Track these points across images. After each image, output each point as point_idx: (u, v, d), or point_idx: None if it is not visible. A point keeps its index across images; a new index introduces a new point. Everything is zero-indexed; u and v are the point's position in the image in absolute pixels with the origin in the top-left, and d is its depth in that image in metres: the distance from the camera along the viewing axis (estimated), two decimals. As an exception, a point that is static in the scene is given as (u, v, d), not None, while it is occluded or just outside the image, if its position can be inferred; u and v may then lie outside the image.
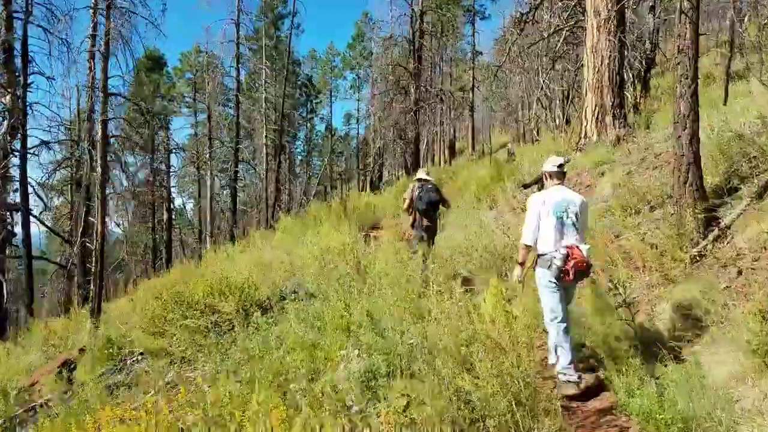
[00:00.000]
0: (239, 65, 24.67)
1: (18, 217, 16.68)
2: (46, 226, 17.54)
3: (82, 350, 7.92)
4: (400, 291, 4.95)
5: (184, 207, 47.48)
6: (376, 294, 4.98)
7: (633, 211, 7.34)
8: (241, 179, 38.22)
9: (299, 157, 52.72)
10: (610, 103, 11.83)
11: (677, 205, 6.10)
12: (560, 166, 5.11)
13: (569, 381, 4.53)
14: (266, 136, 27.12)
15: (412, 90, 23.42)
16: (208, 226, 28.31)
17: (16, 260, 18.91)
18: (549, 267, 4.73)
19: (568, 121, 16.75)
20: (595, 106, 11.94)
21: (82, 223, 16.79)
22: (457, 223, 11.09)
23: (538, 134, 17.96)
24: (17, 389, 6.48)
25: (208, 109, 29.07)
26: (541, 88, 14.74)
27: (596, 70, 11.88)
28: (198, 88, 34.72)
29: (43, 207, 17.74)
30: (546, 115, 15.91)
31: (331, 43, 65.42)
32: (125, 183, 22.21)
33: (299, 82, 46.47)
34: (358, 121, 47.58)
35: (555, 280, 4.71)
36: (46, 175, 19.91)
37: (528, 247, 4.99)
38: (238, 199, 39.03)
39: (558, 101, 17.10)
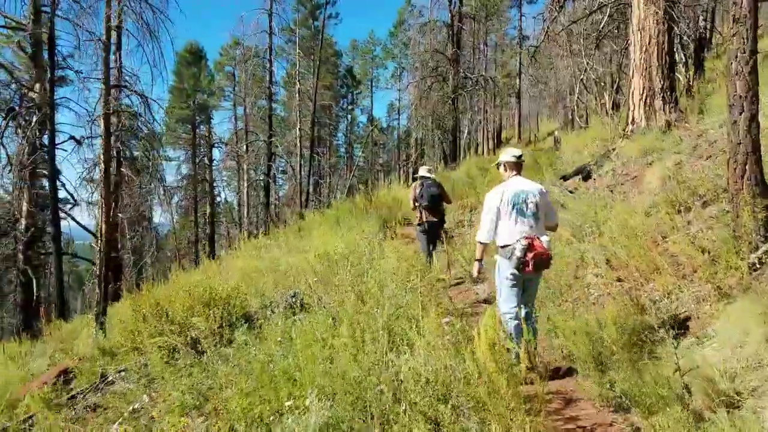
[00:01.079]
0: (272, 56, 24.18)
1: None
2: (77, 222, 17.41)
3: (81, 359, 7.49)
4: (394, 308, 4.19)
5: (228, 201, 47.68)
6: (366, 311, 4.25)
7: (683, 207, 6.39)
8: (286, 172, 38.12)
9: (342, 149, 52.29)
10: (659, 86, 10.76)
11: (733, 202, 5.12)
12: (518, 157, 5.12)
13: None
14: (300, 129, 26.55)
15: (451, 76, 22.47)
16: (245, 220, 28.04)
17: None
18: (510, 258, 4.69)
19: (617, 107, 15.62)
20: (643, 89, 10.89)
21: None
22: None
23: (586, 121, 16.86)
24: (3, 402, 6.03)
25: (244, 102, 28.68)
26: (586, 71, 13.64)
27: (643, 49, 10.83)
28: (238, 81, 34.47)
29: (73, 203, 17.60)
30: (593, 100, 14.82)
31: (371, 32, 64.51)
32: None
33: (339, 73, 45.92)
34: (399, 112, 46.77)
35: (516, 272, 4.68)
36: (86, 171, 19.89)
37: (484, 245, 5.01)
38: (282, 193, 39.01)
39: (605, 85, 15.93)
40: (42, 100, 16.48)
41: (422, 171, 8.94)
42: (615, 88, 14.76)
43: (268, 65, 24.43)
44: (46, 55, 16.45)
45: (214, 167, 36.53)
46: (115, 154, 16.55)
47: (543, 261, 4.68)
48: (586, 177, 10.72)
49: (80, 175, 18.21)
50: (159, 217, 44.35)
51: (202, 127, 39.93)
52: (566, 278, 6.24)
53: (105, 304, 9.54)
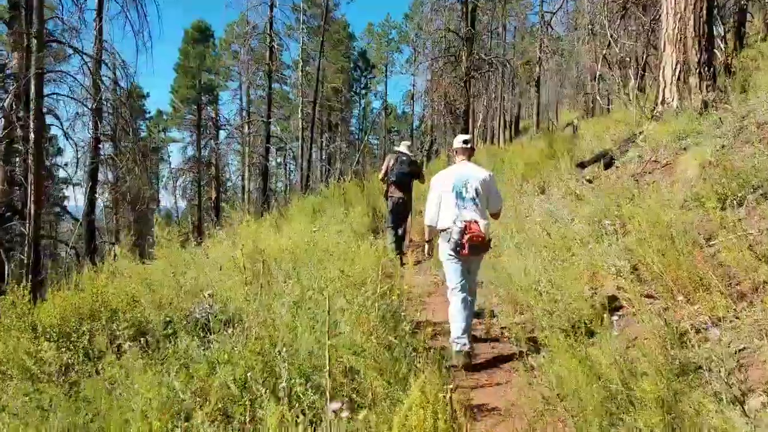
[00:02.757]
0: (272, 31, 22.71)
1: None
2: (54, 200, 16.30)
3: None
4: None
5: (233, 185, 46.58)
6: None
7: (732, 201, 4.94)
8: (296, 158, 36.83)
9: (357, 135, 50.86)
10: (696, 60, 9.28)
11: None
12: (465, 141, 5.28)
13: (460, 351, 4.64)
14: (302, 110, 25.13)
15: (464, 57, 20.93)
16: (247, 205, 26.79)
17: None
18: (448, 241, 4.85)
19: (642, 90, 14.07)
20: (676, 63, 9.41)
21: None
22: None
23: (608, 102, 15.36)
24: None
25: (244, 81, 27.31)
26: (609, 45, 12.05)
27: (677, 16, 9.34)
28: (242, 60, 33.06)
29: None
30: (616, 80, 13.30)
31: (387, 15, 62.61)
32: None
33: (353, 56, 44.47)
34: (413, 97, 45.20)
35: (453, 254, 4.83)
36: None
37: (430, 227, 5.18)
38: (296, 178, 37.83)
39: (630, 61, 14.35)
40: (19, 70, 15.26)
41: (401, 146, 9.07)
42: (642, 66, 13.18)
43: (268, 41, 23.00)
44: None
45: (219, 150, 35.29)
46: (93, 128, 15.30)
47: (478, 244, 4.78)
48: (608, 164, 9.30)
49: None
50: (165, 200, 43.62)
51: (209, 108, 38.79)
52: (579, 289, 4.84)
53: (35, 297, 8.25)
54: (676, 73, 9.43)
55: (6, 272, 15.81)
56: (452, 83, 21.64)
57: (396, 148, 9.11)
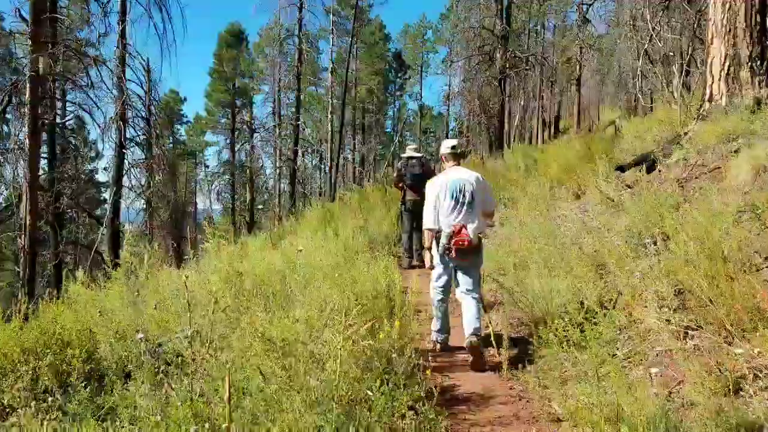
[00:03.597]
0: (301, 33, 22.28)
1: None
2: (78, 204, 16.13)
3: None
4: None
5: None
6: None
7: (796, 213, 4.24)
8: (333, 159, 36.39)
9: (392, 136, 50.27)
10: (747, 53, 8.46)
11: None
12: (453, 147, 5.36)
13: (436, 341, 5.06)
14: (331, 112, 24.64)
15: (498, 55, 20.21)
16: (278, 208, 26.50)
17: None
18: (439, 244, 4.97)
19: (687, 88, 13.17)
20: (725, 57, 8.60)
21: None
22: (524, 218, 8.19)
23: (650, 100, 14.49)
24: None
25: (273, 82, 26.96)
26: (651, 39, 11.20)
27: (727, 6, 8.53)
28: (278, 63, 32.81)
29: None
30: (659, 76, 12.45)
31: (423, 15, 61.66)
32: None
33: (388, 58, 43.93)
34: (449, 98, 44.42)
35: (443, 255, 4.96)
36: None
37: (431, 230, 5.13)
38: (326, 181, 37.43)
39: (674, 56, 13.42)
40: (44, 75, 15.14)
41: (408, 150, 9.11)
42: (686, 61, 12.29)
43: (297, 42, 22.60)
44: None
45: (253, 154, 35.12)
46: (117, 134, 15.08)
47: (464, 248, 4.84)
48: (650, 168, 8.55)
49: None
50: (203, 203, 43.80)
51: (243, 111, 38.74)
52: (615, 315, 4.20)
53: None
54: (725, 68, 8.62)
55: None
56: (487, 82, 20.93)
57: (403, 155, 9.17)
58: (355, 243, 7.02)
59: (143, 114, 15.95)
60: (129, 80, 15.54)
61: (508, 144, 24.85)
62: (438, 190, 5.07)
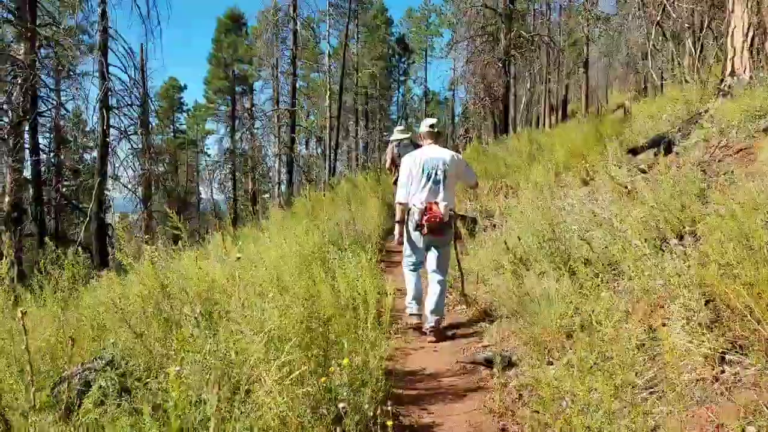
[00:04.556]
0: (296, 13, 21.36)
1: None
2: (64, 196, 15.51)
3: None
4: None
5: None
6: None
7: None
8: (338, 148, 35.50)
9: (397, 122, 49.32)
10: (774, 21, 7.63)
11: None
12: (431, 126, 5.45)
13: (412, 314, 5.17)
14: (329, 97, 23.75)
15: (502, 36, 19.29)
16: (277, 198, 25.75)
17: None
18: (412, 219, 5.12)
19: (701, 62, 12.28)
20: (748, 26, 7.77)
21: (96, 198, 14.41)
22: (525, 208, 7.38)
23: (661, 77, 13.61)
24: None
25: (270, 67, 26.05)
26: (663, 9, 10.28)
27: (751, -32, 7.69)
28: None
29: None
30: (670, 52, 11.57)
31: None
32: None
33: (390, 42, 42.93)
34: (454, 82, 43.47)
35: (415, 231, 5.09)
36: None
37: (402, 204, 5.24)
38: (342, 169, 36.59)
39: (691, 27, 12.49)
40: (25, 62, 14.43)
41: (396, 133, 8.61)
42: (701, 33, 11.38)
43: (292, 24, 21.72)
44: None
45: (254, 141, 34.35)
46: (101, 122, 14.37)
47: (435, 225, 4.94)
48: (666, 150, 7.75)
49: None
50: (205, 193, 43.18)
51: (244, 98, 37.97)
52: (631, 330, 3.43)
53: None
54: (749, 39, 7.80)
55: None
56: (490, 64, 20.03)
57: (393, 138, 8.61)
58: (357, 230, 6.32)
59: (128, 101, 15.22)
60: (113, 65, 14.83)
61: (514, 129, 24.02)
62: (412, 166, 5.17)
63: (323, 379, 2.46)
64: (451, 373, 3.89)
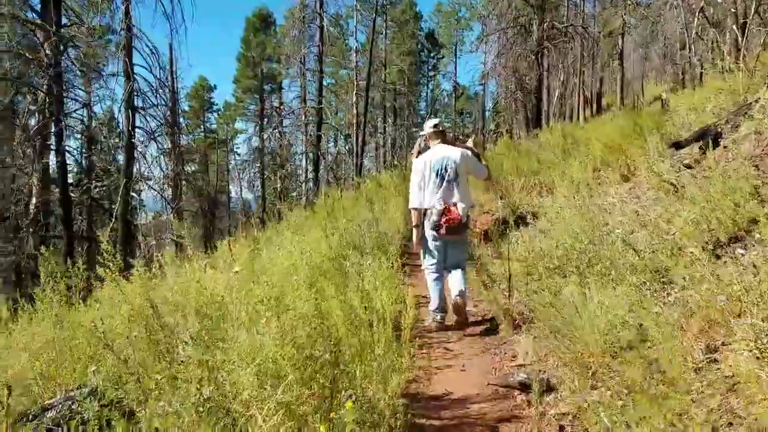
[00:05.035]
0: (323, 9, 21.06)
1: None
2: (92, 198, 15.42)
3: None
4: None
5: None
6: None
7: None
8: (366, 144, 35.13)
9: (426, 119, 48.67)
10: (834, 1, 7.03)
11: None
12: (435, 125, 5.51)
13: (434, 320, 5.10)
14: (356, 94, 23.39)
15: (535, 27, 18.69)
16: (303, 196, 25.51)
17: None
18: (429, 220, 5.11)
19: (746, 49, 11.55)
20: (805, 8, 7.18)
21: (121, 199, 14.29)
22: (561, 208, 6.90)
23: (701, 71, 12.93)
24: None
25: (298, 65, 25.70)
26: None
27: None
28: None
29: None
30: (711, 40, 10.92)
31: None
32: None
33: (419, 37, 42.42)
34: (485, 76, 42.77)
35: (433, 232, 5.09)
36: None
37: (417, 210, 5.26)
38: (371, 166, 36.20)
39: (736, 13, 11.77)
40: (50, 63, 14.36)
41: (427, 127, 7.54)
42: (748, 20, 10.70)
43: (318, 20, 21.42)
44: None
45: (283, 140, 34.20)
46: (126, 123, 14.24)
47: (454, 226, 5.00)
48: (713, 144, 7.19)
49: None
50: (236, 192, 43.27)
51: (272, 97, 37.88)
52: (685, 352, 3.00)
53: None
54: (805, 21, 7.21)
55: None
56: (522, 56, 19.45)
57: (422, 132, 8.00)
58: (350, 242, 5.93)
59: (154, 101, 15.05)
60: (137, 65, 14.68)
61: (547, 122, 23.37)
62: (423, 169, 5.20)
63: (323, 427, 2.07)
64: (481, 398, 3.47)
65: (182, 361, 2.46)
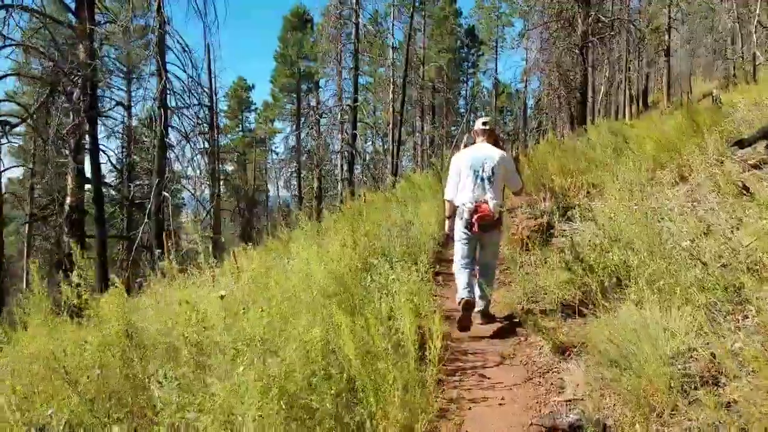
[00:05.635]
0: (357, 5, 20.60)
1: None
2: (126, 197, 15.30)
3: None
4: None
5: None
6: None
7: None
8: (403, 143, 34.56)
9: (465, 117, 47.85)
10: None
11: None
12: (485, 123, 5.46)
13: (462, 298, 4.92)
14: (393, 91, 22.88)
15: (579, 20, 17.88)
16: (339, 196, 25.11)
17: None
18: (461, 218, 5.10)
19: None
20: None
21: (154, 199, 14.09)
22: (613, 211, 6.24)
23: (754, 61, 12.11)
24: None
25: (334, 62, 25.35)
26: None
27: None
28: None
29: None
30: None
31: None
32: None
33: (459, 34, 41.68)
34: (526, 73, 41.80)
35: (465, 230, 5.07)
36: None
37: (450, 202, 5.34)
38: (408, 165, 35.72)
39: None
40: (84, 61, 14.22)
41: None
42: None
43: (354, 17, 20.99)
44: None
45: (319, 139, 33.94)
46: (159, 122, 14.03)
47: (486, 223, 4.95)
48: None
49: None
50: (274, 191, 43.26)
51: (309, 96, 37.70)
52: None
53: None
54: None
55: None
56: (567, 51, 18.66)
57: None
58: (375, 250, 5.44)
59: (188, 101, 14.81)
60: (170, 63, 14.45)
61: (591, 120, 22.51)
62: (461, 164, 5.19)
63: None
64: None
65: (155, 406, 1.99)
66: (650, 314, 3.37)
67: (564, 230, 6.88)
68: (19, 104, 16.86)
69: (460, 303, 4.92)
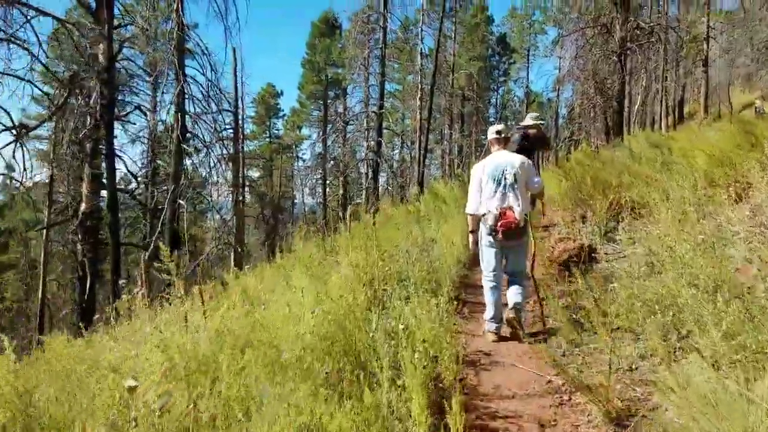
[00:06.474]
0: (386, 10, 19.96)
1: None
2: (138, 201, 14.85)
3: None
4: None
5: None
6: None
7: None
8: (431, 151, 33.83)
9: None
10: None
11: None
12: (498, 132, 5.32)
13: (489, 331, 5.00)
14: (420, 98, 22.17)
15: (618, 26, 17.01)
16: (364, 204, 24.48)
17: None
18: (486, 226, 5.01)
19: None
20: None
21: (168, 206, 13.59)
22: (669, 238, 5.41)
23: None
24: None
25: (361, 68, 24.76)
26: None
27: None
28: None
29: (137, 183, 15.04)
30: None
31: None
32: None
33: (490, 42, 40.89)
34: (559, 81, 40.81)
35: (490, 236, 5.01)
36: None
37: (472, 216, 5.23)
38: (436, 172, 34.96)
39: None
40: (102, 63, 13.82)
41: (527, 119, 8.18)
42: None
43: (382, 21, 20.37)
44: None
45: (346, 146, 33.43)
46: (176, 124, 13.54)
47: (511, 230, 4.87)
48: None
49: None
50: (300, 198, 42.89)
51: (337, 103, 37.26)
52: None
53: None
54: None
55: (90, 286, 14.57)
56: (603, 58, 17.80)
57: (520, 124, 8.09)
58: (394, 274, 4.76)
59: (206, 106, 14.31)
60: (189, 66, 13.97)
61: (627, 131, 21.57)
62: (480, 174, 5.13)
63: None
64: None
65: None
66: (733, 383, 2.61)
67: (607, 254, 6.09)
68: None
69: (488, 332, 4.95)
